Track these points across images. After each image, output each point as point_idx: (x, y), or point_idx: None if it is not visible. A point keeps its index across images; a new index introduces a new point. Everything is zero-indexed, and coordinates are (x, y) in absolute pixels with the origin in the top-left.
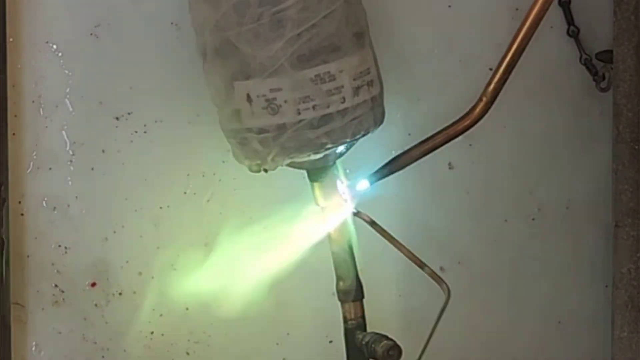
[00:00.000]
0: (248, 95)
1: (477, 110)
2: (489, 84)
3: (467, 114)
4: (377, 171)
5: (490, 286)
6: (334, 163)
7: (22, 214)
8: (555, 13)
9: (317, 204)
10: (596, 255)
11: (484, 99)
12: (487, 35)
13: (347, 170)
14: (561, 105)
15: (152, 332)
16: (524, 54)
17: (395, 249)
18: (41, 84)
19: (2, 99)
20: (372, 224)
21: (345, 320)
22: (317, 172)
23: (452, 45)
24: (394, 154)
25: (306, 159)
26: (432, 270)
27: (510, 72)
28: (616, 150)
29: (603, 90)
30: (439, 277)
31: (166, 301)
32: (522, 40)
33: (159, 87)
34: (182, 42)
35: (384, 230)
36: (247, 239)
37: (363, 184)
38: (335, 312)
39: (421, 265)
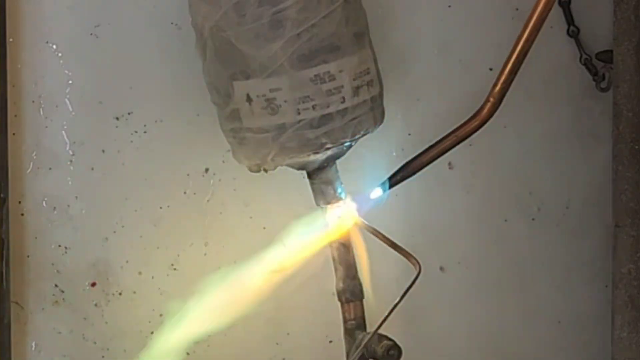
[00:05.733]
0: (248, 95)
1: (485, 111)
2: (495, 85)
3: (475, 115)
4: (389, 178)
5: (490, 286)
6: (334, 163)
7: (22, 214)
8: (555, 13)
9: (317, 204)
10: (596, 255)
11: (491, 99)
12: (487, 36)
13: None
14: (561, 105)
15: (152, 332)
16: None
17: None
18: (41, 84)
19: (2, 99)
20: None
21: (345, 320)
22: (317, 172)
23: (452, 46)
24: (394, 154)
25: (306, 159)
26: (404, 249)
27: (515, 73)
28: (616, 150)
29: (603, 90)
30: (410, 254)
31: (166, 301)
32: (525, 41)
33: (159, 87)
34: (182, 42)
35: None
36: (247, 239)
37: (376, 192)
38: (335, 312)
39: (393, 245)
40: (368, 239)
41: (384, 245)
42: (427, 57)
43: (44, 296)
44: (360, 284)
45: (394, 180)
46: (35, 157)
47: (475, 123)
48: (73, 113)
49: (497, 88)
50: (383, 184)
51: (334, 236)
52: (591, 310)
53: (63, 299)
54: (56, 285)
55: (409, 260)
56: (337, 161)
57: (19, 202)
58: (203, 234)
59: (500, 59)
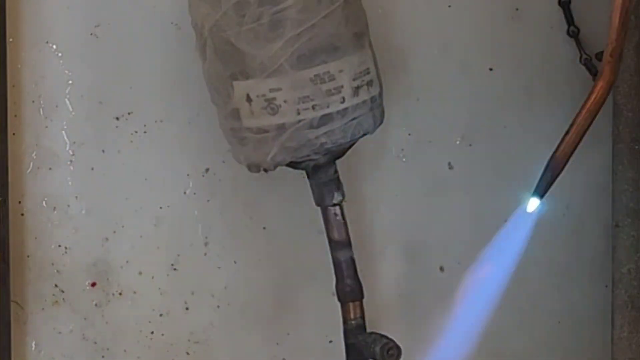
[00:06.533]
0: (248, 95)
1: (608, 72)
2: (608, 46)
3: (598, 81)
4: (539, 183)
5: (490, 286)
6: (334, 163)
7: (22, 214)
8: (555, 13)
9: (317, 204)
10: (596, 255)
11: (610, 59)
12: (487, 36)
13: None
14: (561, 105)
15: (152, 332)
16: (523, 53)
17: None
18: (41, 84)
19: (2, 99)
20: None
21: (345, 321)
22: (316, 172)
23: (451, 45)
24: (394, 154)
25: (306, 159)
26: None
27: (627, 27)
28: (616, 150)
29: None
30: None
31: (166, 301)
32: None
33: (159, 87)
34: (182, 42)
35: None
36: (247, 239)
37: (533, 203)
38: (335, 312)
39: None
40: (368, 238)
41: (384, 245)
42: (427, 57)
43: (44, 296)
44: (361, 284)
45: (545, 183)
46: (35, 157)
47: (601, 89)
48: (73, 113)
49: (614, 46)
50: (535, 192)
51: (333, 235)
52: (591, 310)
53: (63, 299)
54: (56, 285)
55: None
56: (337, 161)
57: (19, 202)
58: (203, 234)
59: (500, 59)
